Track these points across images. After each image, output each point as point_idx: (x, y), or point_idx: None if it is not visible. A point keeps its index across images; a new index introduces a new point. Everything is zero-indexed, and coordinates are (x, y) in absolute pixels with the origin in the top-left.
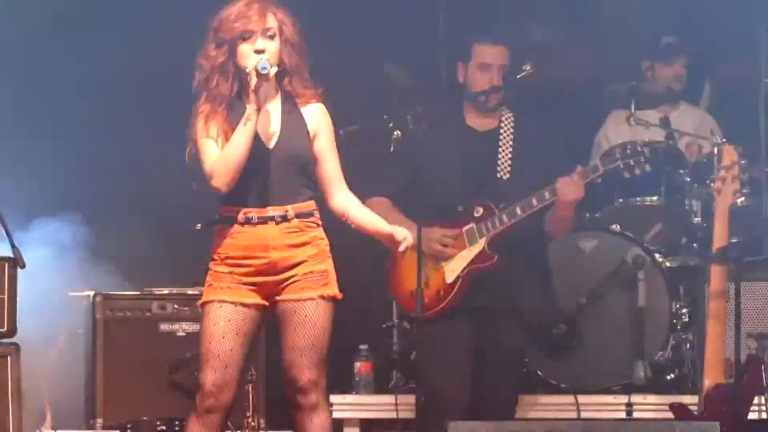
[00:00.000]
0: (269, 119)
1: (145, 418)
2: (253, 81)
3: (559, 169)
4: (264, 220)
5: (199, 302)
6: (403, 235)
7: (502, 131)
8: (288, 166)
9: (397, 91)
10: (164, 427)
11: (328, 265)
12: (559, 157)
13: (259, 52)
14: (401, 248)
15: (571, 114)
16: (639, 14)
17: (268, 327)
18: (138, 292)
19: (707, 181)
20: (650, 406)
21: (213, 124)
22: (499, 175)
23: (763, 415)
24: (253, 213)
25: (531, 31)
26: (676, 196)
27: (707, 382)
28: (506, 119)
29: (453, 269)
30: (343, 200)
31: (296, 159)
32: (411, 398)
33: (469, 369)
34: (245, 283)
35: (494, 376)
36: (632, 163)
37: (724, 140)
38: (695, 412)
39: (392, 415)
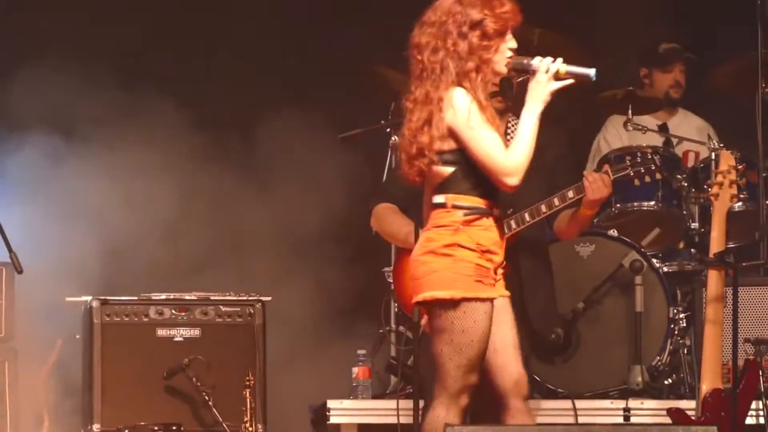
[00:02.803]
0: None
1: (142, 423)
2: (551, 83)
3: (564, 176)
4: (503, 218)
5: (464, 297)
6: None
7: (509, 138)
8: None
9: (395, 95)
10: None
11: None
12: (564, 163)
13: (512, 50)
14: None
15: (569, 119)
16: (638, 19)
17: (272, 330)
18: (135, 298)
19: (705, 186)
20: (648, 411)
21: (488, 118)
22: None
23: (761, 420)
24: (499, 211)
25: (529, 35)
26: (674, 201)
27: (705, 387)
28: (513, 125)
29: None
30: None
31: None
32: (410, 403)
33: None
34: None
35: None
36: (642, 171)
37: (722, 145)
38: (693, 417)
39: (390, 420)
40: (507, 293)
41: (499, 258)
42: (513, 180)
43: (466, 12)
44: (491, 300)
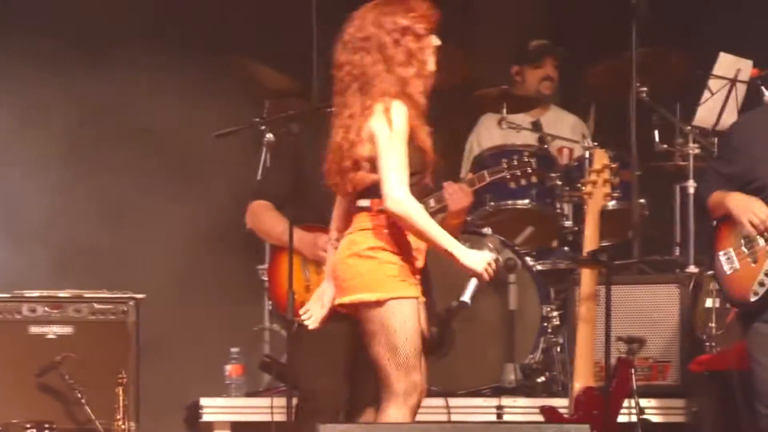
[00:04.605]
0: None
1: (14, 421)
2: None
3: (439, 175)
4: None
5: (391, 297)
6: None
7: None
8: None
9: (269, 93)
10: (34, 430)
11: None
12: (441, 165)
13: (436, 47)
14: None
15: (443, 118)
16: (512, 17)
17: (145, 328)
18: (8, 295)
19: (578, 185)
20: (520, 409)
21: (419, 126)
22: None
23: (633, 418)
24: None
25: None
26: (548, 200)
27: (577, 385)
28: None
29: None
30: None
31: None
32: (283, 401)
33: (348, 372)
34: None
35: (373, 379)
36: (519, 174)
37: (596, 144)
38: (565, 415)
39: (263, 418)
40: (423, 298)
41: (419, 263)
42: (393, 205)
43: (393, 20)
44: (417, 298)
